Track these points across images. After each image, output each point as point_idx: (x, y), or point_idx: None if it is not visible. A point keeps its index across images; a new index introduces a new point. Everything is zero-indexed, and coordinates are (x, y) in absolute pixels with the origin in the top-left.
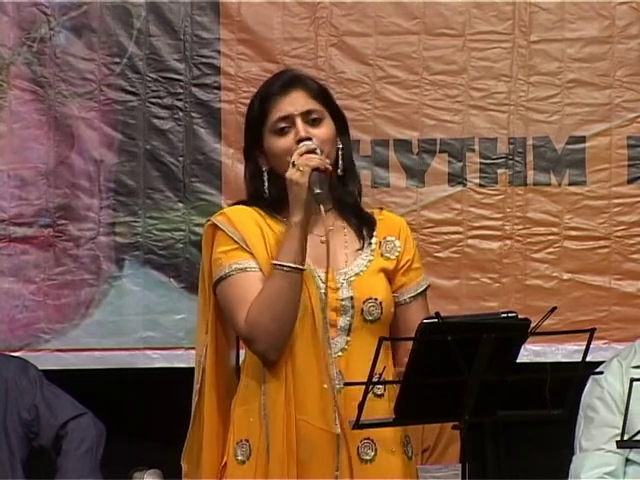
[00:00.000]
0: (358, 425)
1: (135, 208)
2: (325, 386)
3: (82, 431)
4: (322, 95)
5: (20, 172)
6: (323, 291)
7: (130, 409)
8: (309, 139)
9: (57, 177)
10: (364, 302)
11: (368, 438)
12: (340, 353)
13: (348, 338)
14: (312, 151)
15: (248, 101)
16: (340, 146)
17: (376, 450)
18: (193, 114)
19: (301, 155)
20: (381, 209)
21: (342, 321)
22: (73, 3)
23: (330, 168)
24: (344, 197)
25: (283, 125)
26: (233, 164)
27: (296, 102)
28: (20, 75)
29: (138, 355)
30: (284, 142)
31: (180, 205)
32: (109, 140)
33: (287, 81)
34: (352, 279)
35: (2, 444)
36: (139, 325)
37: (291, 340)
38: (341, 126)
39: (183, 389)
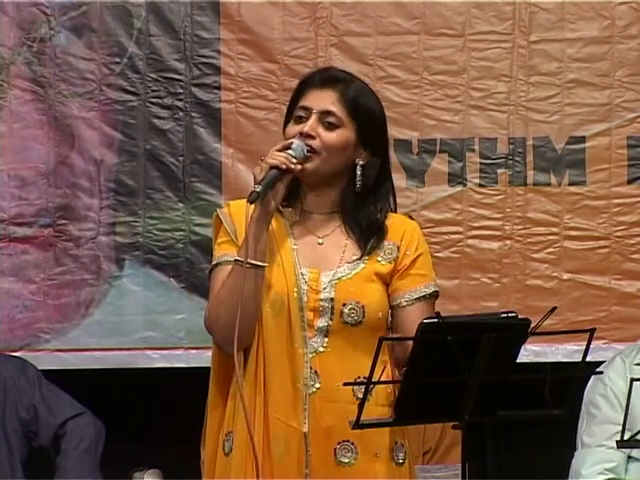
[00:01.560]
0: (358, 425)
1: (135, 208)
2: (299, 385)
3: (81, 430)
4: (354, 105)
5: (20, 172)
6: (304, 291)
7: (130, 409)
8: (311, 137)
9: (57, 177)
10: (344, 305)
11: (348, 440)
12: (316, 354)
13: (326, 339)
14: (286, 148)
15: (248, 101)
16: (361, 163)
17: (357, 453)
18: (193, 114)
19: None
20: (410, 217)
21: (320, 322)
22: (73, 3)
23: (294, 168)
24: (355, 214)
25: (301, 114)
26: (233, 164)
27: (322, 99)
28: (20, 75)
29: (138, 355)
30: (292, 130)
31: (180, 205)
32: (109, 140)
33: (326, 78)
34: (337, 282)
35: (1, 444)
36: (139, 325)
37: (265, 336)
38: (369, 144)
39: (183, 389)
